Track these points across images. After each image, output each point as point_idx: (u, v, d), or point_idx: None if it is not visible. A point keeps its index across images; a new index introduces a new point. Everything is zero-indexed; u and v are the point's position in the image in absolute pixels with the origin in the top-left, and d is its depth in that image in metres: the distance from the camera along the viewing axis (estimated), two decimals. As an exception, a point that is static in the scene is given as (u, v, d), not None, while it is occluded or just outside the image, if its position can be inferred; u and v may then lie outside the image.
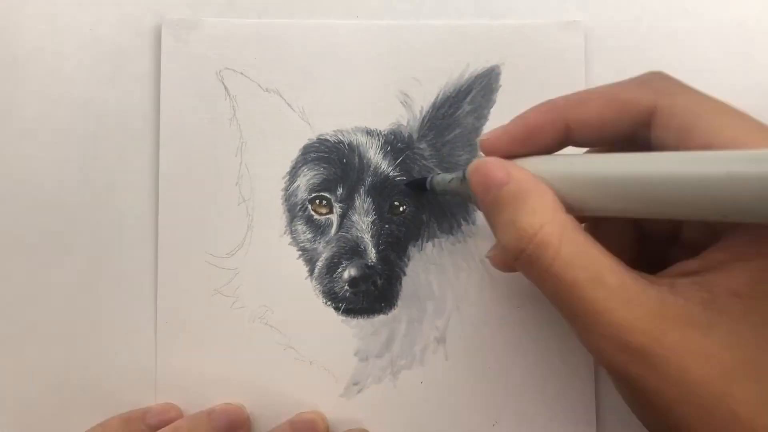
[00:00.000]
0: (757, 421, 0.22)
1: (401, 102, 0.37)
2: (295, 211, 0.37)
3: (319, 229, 0.37)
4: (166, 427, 0.33)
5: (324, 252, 0.36)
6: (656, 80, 0.27)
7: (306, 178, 0.37)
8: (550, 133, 0.28)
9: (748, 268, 0.23)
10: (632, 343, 0.23)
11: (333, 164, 0.37)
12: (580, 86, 0.36)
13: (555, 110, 0.28)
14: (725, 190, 0.22)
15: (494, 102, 0.37)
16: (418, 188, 0.36)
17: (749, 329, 0.23)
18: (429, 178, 0.34)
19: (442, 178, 0.33)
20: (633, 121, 0.27)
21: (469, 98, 0.37)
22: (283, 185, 0.37)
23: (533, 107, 0.29)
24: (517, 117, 0.29)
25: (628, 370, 0.23)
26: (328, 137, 0.37)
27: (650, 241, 0.30)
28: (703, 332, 0.23)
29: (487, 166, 0.27)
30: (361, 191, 0.36)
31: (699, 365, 0.22)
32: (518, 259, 0.26)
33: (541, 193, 0.26)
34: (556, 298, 0.25)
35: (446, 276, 0.36)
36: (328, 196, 0.37)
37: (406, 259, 0.36)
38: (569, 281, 0.24)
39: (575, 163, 0.27)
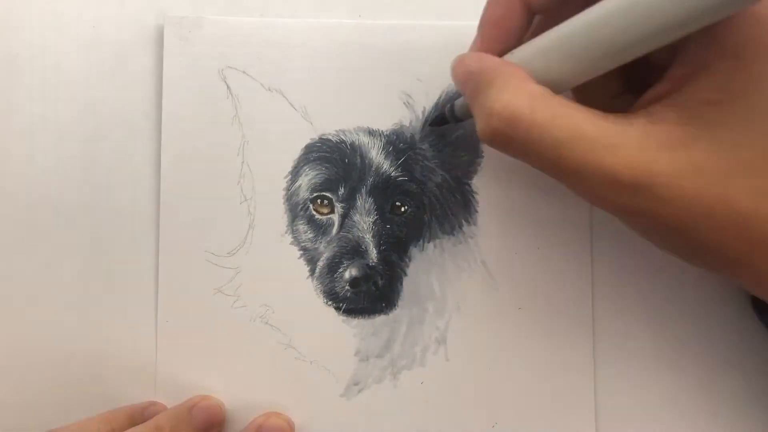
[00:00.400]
0: (756, 210, 0.24)
1: (403, 102, 0.37)
2: (296, 210, 0.37)
3: (320, 228, 0.37)
4: (149, 422, 0.34)
5: (325, 252, 0.36)
6: None
7: (308, 178, 0.37)
8: (512, 17, 0.29)
9: (709, 74, 0.25)
10: (624, 181, 0.24)
11: (335, 164, 0.37)
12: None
13: None
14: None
15: (496, 103, 0.37)
16: (441, 123, 0.36)
17: (729, 132, 0.24)
18: (448, 107, 0.34)
19: (461, 101, 0.33)
20: None
21: (471, 99, 0.37)
22: (284, 185, 0.37)
23: (488, 3, 0.30)
24: (480, 22, 0.30)
25: (629, 206, 0.25)
26: (330, 137, 0.37)
27: (627, 80, 0.31)
28: (687, 150, 0.24)
29: (463, 60, 0.29)
30: (363, 191, 0.36)
31: (691, 180, 0.24)
32: (494, 140, 0.27)
33: (508, 73, 0.26)
34: (543, 163, 0.26)
35: (447, 276, 0.36)
36: (329, 195, 0.37)
37: (407, 260, 0.36)
38: (550, 144, 0.25)
39: (541, 39, 0.28)
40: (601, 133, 0.24)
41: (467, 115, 0.33)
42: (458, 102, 0.34)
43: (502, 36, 0.29)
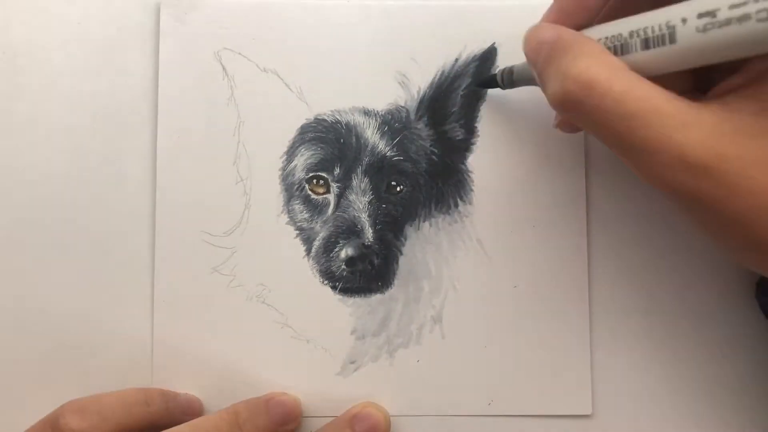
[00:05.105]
0: None
1: (399, 82, 0.37)
2: (292, 190, 0.37)
3: (316, 208, 0.37)
4: (226, 409, 0.34)
5: (321, 231, 0.36)
6: None
7: (303, 158, 0.37)
8: None
9: None
10: (694, 160, 0.23)
11: (330, 144, 0.37)
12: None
13: None
14: None
15: (491, 82, 0.37)
16: (487, 86, 0.36)
17: None
18: (505, 70, 0.34)
19: (522, 66, 0.33)
20: None
21: (466, 78, 0.37)
22: (280, 165, 0.37)
23: None
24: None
25: (693, 188, 0.24)
26: (325, 117, 0.37)
27: (697, 77, 0.30)
28: (761, 140, 0.23)
29: (537, 30, 0.29)
30: (359, 171, 0.37)
31: (762, 171, 0.23)
32: (565, 103, 0.26)
33: (587, 42, 0.26)
34: (610, 134, 0.25)
35: (443, 255, 0.37)
36: (325, 175, 0.37)
37: (402, 239, 0.37)
38: (622, 114, 0.24)
39: (621, 25, 0.27)
40: (675, 110, 0.24)
41: (523, 81, 0.33)
42: (519, 66, 0.33)
43: (578, 11, 0.29)
